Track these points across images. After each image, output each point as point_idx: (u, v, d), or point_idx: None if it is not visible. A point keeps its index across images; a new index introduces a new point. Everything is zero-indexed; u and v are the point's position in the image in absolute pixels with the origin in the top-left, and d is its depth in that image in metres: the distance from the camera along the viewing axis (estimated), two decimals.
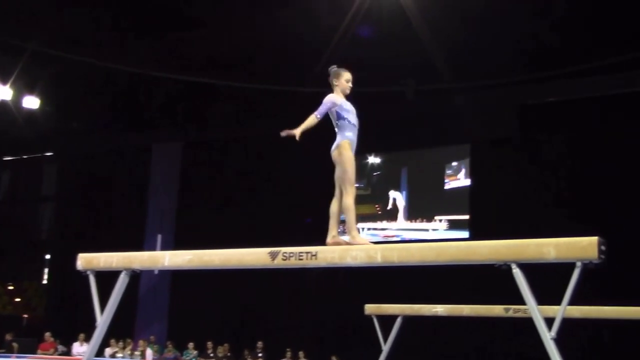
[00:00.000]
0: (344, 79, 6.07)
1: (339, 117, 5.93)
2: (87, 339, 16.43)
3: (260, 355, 17.88)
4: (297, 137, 5.72)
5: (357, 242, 5.67)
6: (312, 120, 5.80)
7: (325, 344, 17.30)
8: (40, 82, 19.71)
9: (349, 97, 6.10)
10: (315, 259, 5.49)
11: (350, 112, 5.97)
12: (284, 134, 5.79)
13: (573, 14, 15.00)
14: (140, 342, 18.66)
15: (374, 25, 15.54)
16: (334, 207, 6.06)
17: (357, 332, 14.14)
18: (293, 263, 5.58)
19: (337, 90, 6.05)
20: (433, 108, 17.47)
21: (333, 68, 6.17)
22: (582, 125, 15.91)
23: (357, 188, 18.70)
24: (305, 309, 17.74)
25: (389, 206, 18.38)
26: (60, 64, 18.22)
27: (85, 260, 6.53)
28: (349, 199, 5.84)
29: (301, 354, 17.56)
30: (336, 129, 5.99)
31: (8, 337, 19.19)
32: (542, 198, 15.97)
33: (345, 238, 5.82)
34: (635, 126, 15.22)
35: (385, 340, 9.72)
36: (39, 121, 20.84)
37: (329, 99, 5.93)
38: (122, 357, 17.87)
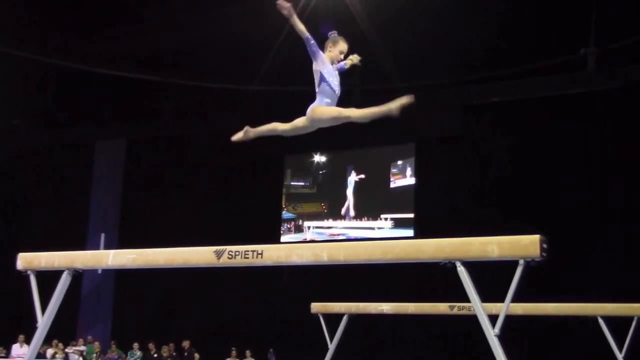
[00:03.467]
0: (339, 49, 6.01)
1: (322, 79, 5.87)
2: (27, 341, 16.10)
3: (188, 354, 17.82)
4: (285, 10, 5.73)
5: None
6: (302, 27, 5.71)
7: (272, 342, 17.26)
8: None
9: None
10: (261, 257, 5.45)
11: (334, 77, 5.93)
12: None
13: (517, 16, 15.27)
14: (80, 342, 18.39)
15: (319, 24, 15.56)
16: None
17: (303, 331, 14.17)
18: (239, 262, 5.53)
19: (327, 55, 5.97)
20: None
21: (333, 34, 6.08)
22: (525, 125, 16.17)
23: (303, 186, 18.91)
24: (251, 307, 17.67)
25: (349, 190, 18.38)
26: (0, 59, 17.83)
27: (26, 260, 6.38)
28: (361, 111, 5.76)
29: (248, 352, 17.50)
30: (317, 91, 5.91)
31: None
32: (485, 197, 16.20)
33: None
34: (577, 126, 15.54)
35: (332, 338, 9.74)
36: None
37: (319, 54, 5.85)
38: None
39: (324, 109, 5.86)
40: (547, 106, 15.89)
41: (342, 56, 6.06)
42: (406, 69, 16.55)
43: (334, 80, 5.93)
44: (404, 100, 5.75)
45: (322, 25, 15.37)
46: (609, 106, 15.26)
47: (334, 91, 5.92)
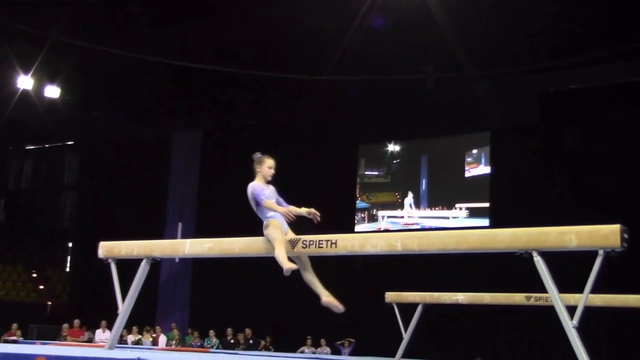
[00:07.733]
0: (267, 166, 6.13)
1: (258, 203, 5.94)
2: (109, 326, 16.57)
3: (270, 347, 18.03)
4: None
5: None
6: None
7: (347, 330, 17.31)
8: (61, 72, 19.88)
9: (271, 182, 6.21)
10: (335, 247, 5.50)
11: (270, 198, 6.02)
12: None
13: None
14: (157, 329, 18.80)
15: (392, 13, 15.48)
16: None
17: (378, 320, 14.16)
18: (313, 251, 5.61)
19: (259, 176, 6.10)
20: (453, 96, 17.37)
21: (257, 155, 6.22)
22: (604, 113, 15.75)
23: (377, 176, 18.87)
24: None
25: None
26: (81, 53, 18.33)
27: (107, 249, 6.58)
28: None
29: (322, 341, 17.61)
30: (258, 214, 6.01)
31: None
32: (562, 186, 15.86)
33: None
34: None
35: (406, 327, 9.72)
36: (60, 110, 21.02)
37: (250, 189, 5.98)
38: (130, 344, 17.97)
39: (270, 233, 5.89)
40: (627, 93, 15.42)
41: (272, 171, 6.16)
42: (480, 57, 16.31)
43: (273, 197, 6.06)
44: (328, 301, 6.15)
45: (377, 15, 15.30)
46: None
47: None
